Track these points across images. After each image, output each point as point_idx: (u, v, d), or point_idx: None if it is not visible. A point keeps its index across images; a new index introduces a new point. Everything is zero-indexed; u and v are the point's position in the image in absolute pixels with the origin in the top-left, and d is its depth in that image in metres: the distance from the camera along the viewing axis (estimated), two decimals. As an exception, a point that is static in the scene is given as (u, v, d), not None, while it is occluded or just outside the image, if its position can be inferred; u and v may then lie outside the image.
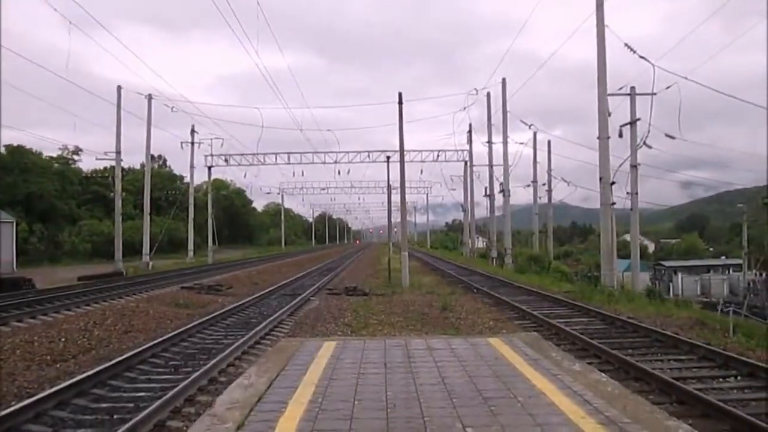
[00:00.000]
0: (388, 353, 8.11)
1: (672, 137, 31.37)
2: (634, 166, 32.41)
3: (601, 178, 23.78)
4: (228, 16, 61.15)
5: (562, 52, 60.53)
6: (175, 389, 7.94)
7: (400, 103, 26.58)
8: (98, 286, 24.35)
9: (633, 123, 32.06)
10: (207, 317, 15.28)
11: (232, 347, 10.99)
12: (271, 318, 15.00)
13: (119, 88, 40.95)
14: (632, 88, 32.88)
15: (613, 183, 24.14)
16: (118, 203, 41.27)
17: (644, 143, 29.25)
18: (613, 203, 24.33)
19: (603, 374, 6.83)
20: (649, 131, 25.38)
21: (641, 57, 24.24)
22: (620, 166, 27.87)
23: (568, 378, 6.46)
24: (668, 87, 26.96)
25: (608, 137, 24.14)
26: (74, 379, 8.45)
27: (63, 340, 12.13)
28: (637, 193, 33.01)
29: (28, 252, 54.75)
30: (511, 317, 15.75)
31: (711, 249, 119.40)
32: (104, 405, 7.76)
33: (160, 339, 12.01)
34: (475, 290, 22.94)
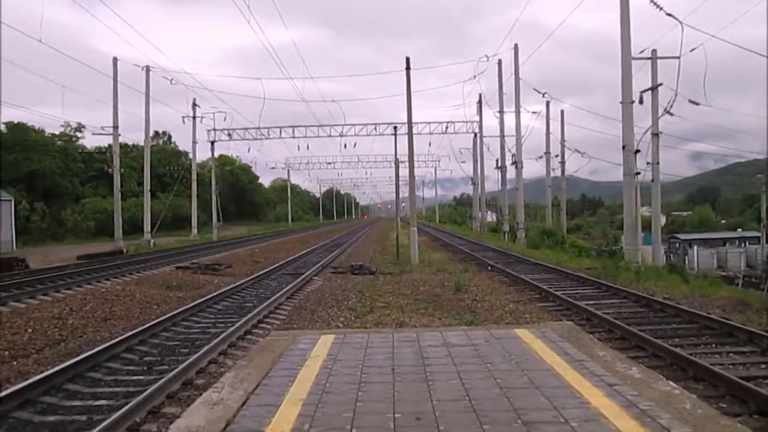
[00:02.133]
0: (396, 352, 6.67)
1: (696, 103, 29.71)
2: (655, 135, 30.74)
3: (624, 146, 22.08)
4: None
5: (570, 23, 58.21)
6: (140, 397, 6.54)
7: (408, 68, 24.92)
8: (93, 266, 23.04)
9: (654, 88, 30.27)
10: (198, 301, 13.89)
11: (218, 339, 9.58)
12: (268, 302, 13.59)
13: (115, 59, 39.41)
14: (654, 51, 31.03)
15: (637, 151, 22.46)
16: (117, 180, 39.96)
17: (667, 111, 27.39)
18: (638, 173, 22.69)
19: (672, 383, 5.35)
20: (675, 96, 23.54)
21: (668, 14, 22.37)
22: (645, 133, 26.23)
23: (630, 391, 4.98)
24: (692, 50, 25.15)
25: (632, 102, 22.42)
26: (22, 384, 7.06)
27: (30, 330, 10.77)
28: (658, 163, 31.38)
29: (30, 231, 53.79)
30: (533, 298, 14.26)
31: (723, 221, 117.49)
32: (50, 419, 6.36)
33: (140, 328, 10.63)
34: (489, 268, 21.46)
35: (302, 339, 7.53)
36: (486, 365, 5.97)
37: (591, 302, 13.06)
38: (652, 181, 30.97)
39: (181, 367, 7.85)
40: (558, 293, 14.21)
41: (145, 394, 6.64)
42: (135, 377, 7.98)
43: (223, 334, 9.93)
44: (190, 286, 17.76)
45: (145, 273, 20.98)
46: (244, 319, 11.32)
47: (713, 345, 9.13)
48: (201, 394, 5.89)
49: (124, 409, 6.13)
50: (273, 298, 14.15)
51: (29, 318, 11.63)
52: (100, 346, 9.21)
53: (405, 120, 26.28)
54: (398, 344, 7.08)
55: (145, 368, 8.47)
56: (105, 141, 55.39)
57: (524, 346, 6.77)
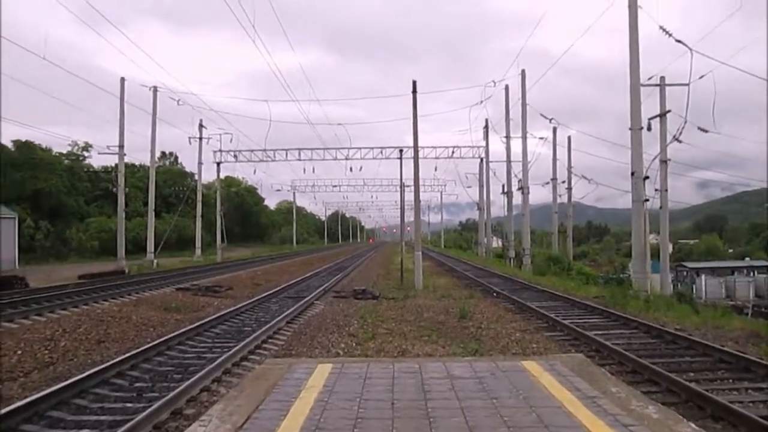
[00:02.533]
0: (396, 384, 6.29)
1: (705, 131, 29.36)
2: (664, 162, 30.45)
3: (633, 173, 21.75)
4: (239, 13, 59.39)
5: (574, 51, 58.53)
6: (124, 427, 6.17)
7: (414, 92, 24.74)
8: (93, 286, 22.72)
9: (663, 115, 30.07)
10: (196, 324, 13.54)
11: (213, 365, 9.22)
12: (268, 326, 13.23)
13: (122, 79, 39.48)
14: (662, 78, 30.89)
15: (646, 178, 22.11)
16: (121, 199, 39.82)
17: (676, 138, 27.05)
18: (647, 199, 22.32)
19: (693, 425, 4.96)
20: (685, 123, 23.22)
21: (677, 41, 22.24)
22: (653, 160, 25.91)
23: (649, 433, 4.61)
24: (701, 77, 24.95)
25: (641, 128, 22.12)
26: (3, 410, 6.70)
27: (19, 352, 10.42)
28: (667, 190, 31.04)
29: (34, 249, 53.65)
30: (539, 327, 13.84)
31: (731, 250, 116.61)
32: (28, 450, 6.01)
33: (133, 352, 10.28)
34: (494, 294, 21.04)
35: (298, 368, 7.17)
36: (492, 401, 5.59)
37: (600, 332, 12.65)
38: (660, 208, 30.61)
39: (171, 395, 7.49)
40: (565, 322, 13.80)
41: (130, 424, 6.28)
42: (123, 404, 7.61)
43: (218, 360, 9.57)
44: (189, 309, 17.39)
45: (145, 294, 20.64)
46: (241, 344, 10.96)
47: (730, 380, 8.70)
48: (189, 426, 5.53)
49: (106, 441, 5.78)
50: (272, 322, 13.78)
51: (20, 339, 11.28)
52: (90, 370, 8.86)
53: (411, 144, 26.10)
54: (399, 375, 6.71)
55: (135, 395, 8.10)
56: (112, 160, 55.57)
57: (532, 380, 6.39)
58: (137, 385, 8.63)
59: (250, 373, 7.57)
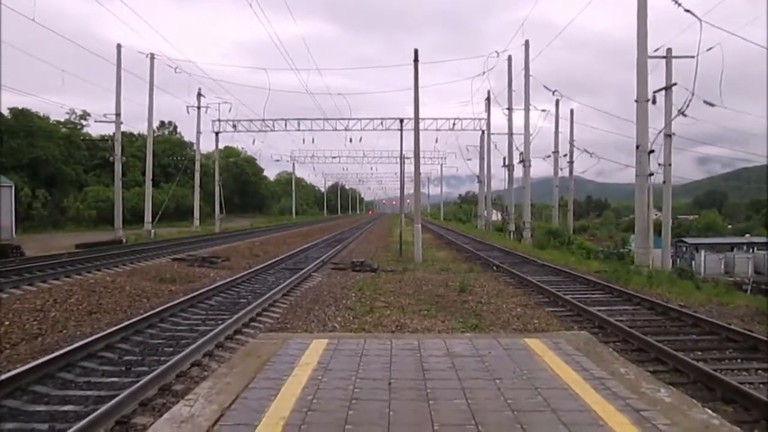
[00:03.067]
0: (394, 362, 6.00)
1: (711, 104, 28.81)
2: (668, 136, 29.95)
3: (638, 146, 21.35)
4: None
5: (579, 23, 57.48)
6: (109, 404, 5.90)
7: (416, 60, 24.18)
8: (89, 255, 22.47)
9: (668, 88, 29.50)
10: (190, 295, 13.26)
11: (206, 338, 8.94)
12: (263, 298, 12.96)
13: (119, 46, 38.75)
14: (669, 50, 30.28)
15: (651, 151, 21.69)
16: (118, 168, 39.30)
17: (682, 112, 26.51)
18: (651, 174, 21.94)
19: (708, 411, 4.67)
20: (692, 96, 22.68)
21: (687, 11, 21.61)
22: (659, 133, 25.46)
23: (662, 419, 4.31)
24: (709, 49, 24.38)
25: (647, 100, 21.65)
26: (-16, 385, 6.43)
27: (7, 323, 10.13)
28: (670, 165, 30.61)
29: (32, 218, 53.38)
30: (540, 302, 13.57)
31: (730, 226, 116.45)
32: (7, 426, 5.73)
33: (125, 323, 10.01)
34: (494, 268, 20.77)
35: (292, 343, 6.87)
36: (494, 381, 5.30)
37: (603, 308, 12.38)
38: (664, 182, 30.21)
39: (160, 369, 7.21)
40: (567, 297, 13.53)
41: (116, 400, 6.00)
42: (110, 379, 7.34)
43: (211, 333, 9.29)
44: (185, 279, 17.12)
45: (140, 264, 20.36)
46: (236, 317, 10.68)
47: (739, 360, 8.43)
48: (176, 403, 5.26)
49: (89, 418, 5.50)
50: (268, 294, 13.50)
51: (9, 309, 10.99)
52: (78, 342, 8.59)
53: (411, 115, 25.61)
54: (397, 352, 6.42)
55: (123, 369, 7.83)
56: (110, 129, 54.74)
57: (536, 359, 6.10)
58: (126, 358, 8.35)
59: (241, 348, 7.28)
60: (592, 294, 14.80)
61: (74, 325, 10.63)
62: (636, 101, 21.59)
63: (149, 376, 6.88)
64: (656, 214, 37.55)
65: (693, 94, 22.30)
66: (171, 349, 8.80)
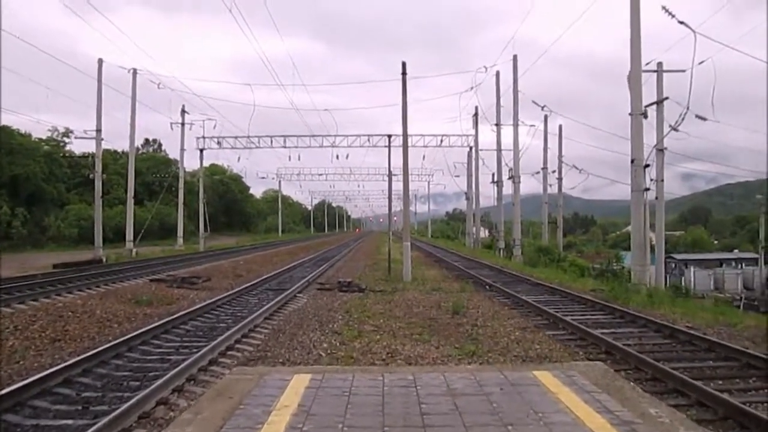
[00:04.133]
0: (387, 403, 5.18)
1: (703, 119, 28.36)
2: (660, 150, 29.42)
3: (633, 161, 20.72)
4: (230, 3, 57.65)
5: (563, 41, 57.58)
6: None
7: (404, 73, 23.56)
8: (63, 276, 21.43)
9: (660, 102, 29.07)
10: (166, 320, 12.37)
11: (177, 370, 8.05)
12: (244, 322, 12.07)
13: (100, 60, 37.84)
14: (659, 63, 29.93)
15: (647, 166, 21.09)
16: (98, 185, 38.25)
17: (674, 128, 25.96)
18: (647, 189, 21.31)
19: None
20: (687, 110, 22.14)
21: (680, 22, 21.18)
22: (654, 147, 24.96)
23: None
24: (701, 62, 24.01)
25: (642, 113, 21.08)
26: None
27: (-45, 355, 9.19)
28: (663, 180, 30.08)
29: (11, 236, 52.03)
30: (539, 324, 12.78)
31: (717, 242, 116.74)
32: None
33: (90, 353, 9.12)
34: (487, 287, 19.99)
35: (270, 380, 6.03)
36: (506, 428, 4.50)
37: (606, 331, 11.62)
38: (657, 198, 29.65)
39: (120, 409, 6.33)
40: (567, 319, 12.76)
41: (61, 452, 5.12)
42: (62, 421, 6.44)
43: (184, 364, 8.41)
44: (162, 302, 16.16)
45: (115, 285, 19.33)
46: (212, 344, 9.79)
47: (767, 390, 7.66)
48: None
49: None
50: (250, 318, 12.62)
51: (-38, 338, 10.05)
52: (34, 376, 7.68)
53: (399, 132, 24.94)
54: (390, 390, 5.60)
55: (80, 408, 6.93)
56: (93, 146, 53.81)
57: (550, 398, 5.30)
58: (86, 395, 7.44)
59: (211, 388, 6.40)
60: (593, 315, 14.05)
61: (33, 356, 9.68)
62: (630, 114, 20.99)
63: (106, 419, 5.99)
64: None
65: (688, 109, 21.80)
66: (137, 383, 7.91)
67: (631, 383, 6.20)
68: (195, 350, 9.72)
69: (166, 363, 9.06)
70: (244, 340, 10.88)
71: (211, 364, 9.00)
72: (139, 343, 10.33)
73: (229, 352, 9.86)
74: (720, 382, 7.96)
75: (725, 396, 6.89)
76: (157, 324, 11.79)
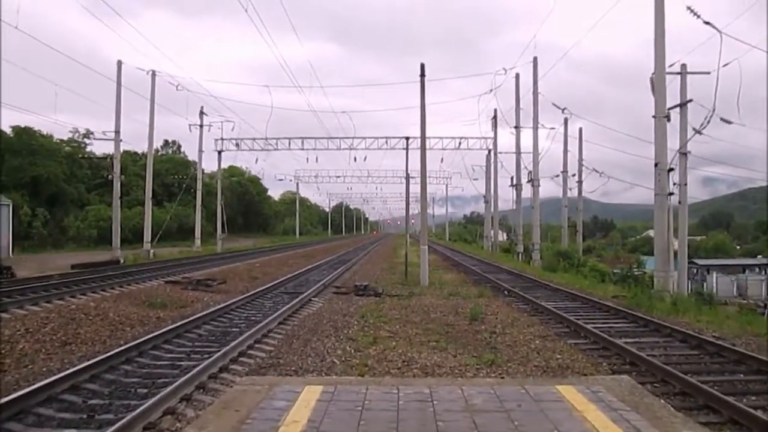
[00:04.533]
0: (402, 419, 4.89)
1: (728, 122, 27.74)
2: (683, 154, 28.84)
3: (656, 164, 20.27)
4: (244, 2, 57.86)
5: (582, 45, 56.90)
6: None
7: (422, 75, 23.28)
8: (79, 277, 21.40)
9: (683, 105, 28.53)
10: (179, 323, 12.19)
11: (186, 377, 7.82)
12: (257, 327, 11.85)
13: (119, 62, 38.07)
14: (683, 65, 29.34)
15: (671, 169, 20.60)
16: (117, 186, 38.45)
17: (698, 131, 25.35)
18: (671, 193, 20.83)
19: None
20: (713, 112, 21.58)
21: (706, 23, 20.68)
22: (678, 151, 24.44)
23: None
24: (726, 65, 23.50)
25: (666, 116, 20.62)
26: None
27: (-35, 358, 9.06)
28: (686, 184, 29.49)
29: (32, 237, 52.47)
30: (560, 333, 12.41)
31: (739, 247, 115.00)
32: None
33: (99, 357, 8.94)
34: (506, 293, 19.61)
35: (279, 391, 5.77)
36: (529, 451, 4.20)
37: (630, 340, 11.23)
38: (680, 203, 29.06)
39: (125, 419, 6.10)
40: (588, 327, 12.38)
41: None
42: (65, 431, 6.23)
43: (194, 371, 8.18)
44: (176, 304, 16.02)
45: (130, 287, 19.25)
46: (224, 350, 9.56)
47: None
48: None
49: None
50: (264, 322, 12.39)
51: (-28, 341, 9.92)
52: (41, 381, 7.51)
53: (417, 135, 24.66)
54: (405, 405, 5.31)
55: (85, 417, 6.72)
56: (113, 148, 54.09)
57: (576, 417, 4.98)
58: (92, 402, 7.23)
59: (218, 399, 6.16)
60: (615, 323, 13.63)
61: (43, 359, 9.52)
62: (654, 117, 20.56)
63: (110, 430, 5.77)
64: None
65: (714, 111, 21.23)
66: (145, 390, 7.69)
67: (662, 400, 5.84)
68: (206, 356, 9.51)
69: (176, 369, 8.85)
70: (256, 345, 10.64)
71: (222, 371, 8.76)
72: (150, 347, 10.13)
73: (241, 359, 9.62)
74: (753, 397, 7.56)
75: (759, 413, 6.51)
76: (169, 328, 11.60)
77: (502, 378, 8.03)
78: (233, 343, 10.16)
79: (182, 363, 9.26)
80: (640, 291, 19.05)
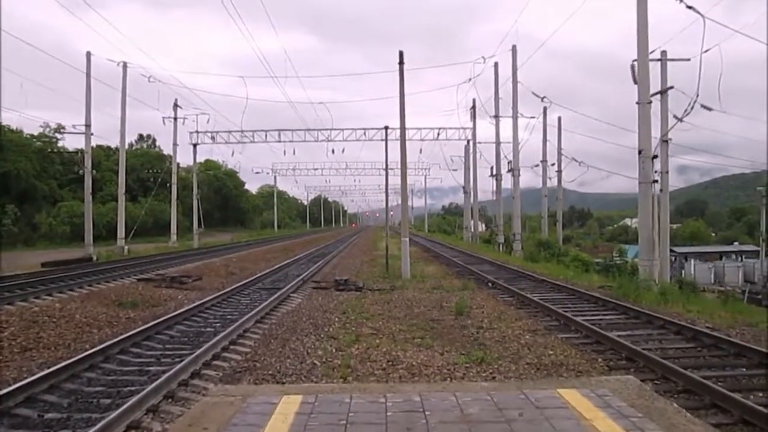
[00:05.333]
0: (391, 435, 4.36)
1: (709, 109, 27.55)
2: (665, 141, 28.62)
3: (640, 151, 19.90)
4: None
5: (558, 35, 56.72)
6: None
7: (401, 63, 22.68)
8: (47, 276, 20.55)
9: (664, 92, 28.34)
10: (149, 324, 11.53)
11: (154, 385, 7.19)
12: (233, 326, 11.22)
13: (89, 54, 36.87)
14: (663, 52, 29.10)
15: (655, 156, 20.28)
16: (88, 181, 37.32)
17: (678, 118, 25.05)
18: (655, 180, 20.52)
19: None
20: (697, 98, 21.21)
21: (689, 7, 20.31)
22: (661, 137, 24.17)
23: None
24: (706, 51, 23.30)
25: (649, 102, 20.26)
26: None
27: None
28: (668, 172, 29.31)
29: (1, 235, 51.05)
30: (550, 326, 11.94)
31: (714, 234, 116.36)
32: None
33: (61, 364, 8.26)
34: (490, 285, 19.17)
35: (254, 403, 5.20)
36: (539, 472, 3.68)
37: (622, 333, 10.80)
38: (661, 191, 28.85)
39: (83, 437, 5.48)
40: (578, 319, 11.94)
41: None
42: (15, 452, 5.60)
43: (163, 377, 7.56)
44: (148, 303, 15.31)
45: (100, 286, 18.44)
46: (197, 353, 8.94)
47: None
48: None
49: None
50: (239, 321, 11.76)
51: None
52: (-7, 394, 6.83)
53: (396, 126, 24.10)
54: (394, 416, 4.77)
55: (38, 435, 6.08)
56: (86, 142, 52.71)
57: (585, 425, 4.48)
58: (49, 416, 6.58)
59: (186, 414, 5.55)
60: (605, 315, 13.22)
61: (-1, 367, 8.82)
62: (637, 103, 20.18)
63: (64, 451, 5.15)
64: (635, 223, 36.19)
65: (697, 96, 20.89)
66: (108, 400, 7.05)
67: (674, 405, 5.36)
68: (178, 359, 8.89)
69: (143, 376, 8.21)
70: (231, 347, 10.01)
71: (194, 376, 8.13)
72: (117, 351, 9.47)
73: (215, 362, 8.99)
74: (760, 394, 7.14)
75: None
76: (139, 329, 10.93)
77: (496, 379, 7.52)
78: (207, 345, 9.53)
79: (151, 368, 8.61)
80: (626, 281, 18.71)
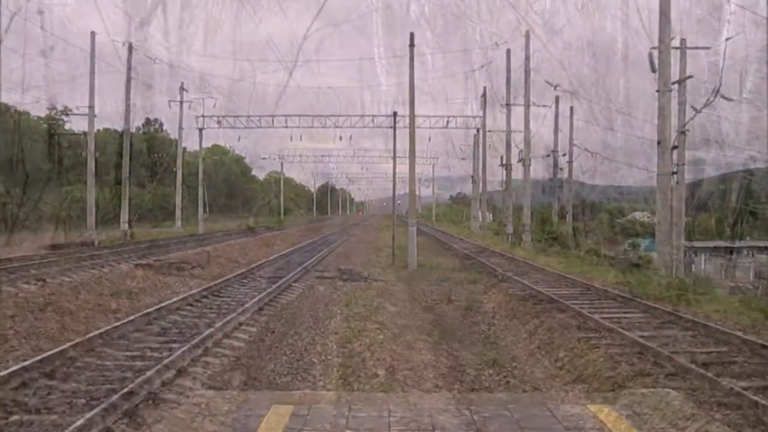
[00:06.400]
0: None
1: (729, 99, 26.60)
2: (683, 132, 27.69)
3: (659, 142, 19.05)
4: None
5: (571, 24, 55.72)
6: None
7: (412, 45, 21.89)
8: (43, 261, 19.92)
9: (682, 81, 27.33)
10: (141, 313, 10.88)
11: (133, 384, 6.51)
12: (228, 318, 10.56)
13: (93, 33, 36.11)
14: (683, 40, 28.07)
15: (674, 147, 19.44)
16: (91, 164, 36.96)
17: (696, 108, 24.17)
18: (674, 171, 19.69)
19: None
20: (720, 86, 20.32)
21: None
22: (684, 125, 23.28)
23: None
24: (728, 39, 22.48)
25: (670, 90, 19.39)
26: None
27: None
28: (684, 164, 28.37)
29: (5, 218, 50.68)
30: (566, 324, 11.15)
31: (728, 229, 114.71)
32: None
33: (31, 360, 7.57)
34: (500, 278, 18.42)
35: (239, 416, 4.49)
36: None
37: (646, 334, 10.03)
38: (677, 183, 27.96)
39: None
40: (596, 317, 11.18)
41: None
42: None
43: (145, 375, 6.87)
44: (144, 292, 14.66)
45: (94, 271, 17.79)
46: (186, 347, 8.26)
47: None
48: None
49: None
50: (235, 314, 11.08)
51: None
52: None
53: (404, 114, 23.35)
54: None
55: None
56: (98, 126, 52.19)
57: (627, 457, 3.73)
58: (11, 419, 5.89)
59: (163, 429, 4.84)
60: (625, 313, 12.43)
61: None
62: (657, 91, 19.30)
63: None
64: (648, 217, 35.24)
65: (721, 84, 20.00)
66: (83, 402, 6.35)
67: (728, 428, 4.62)
68: (166, 353, 8.21)
69: (125, 373, 7.51)
70: (225, 341, 9.34)
71: (180, 374, 7.45)
72: (99, 344, 8.79)
73: (205, 358, 8.31)
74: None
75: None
76: (128, 319, 10.27)
77: (512, 386, 6.81)
78: (197, 339, 8.87)
79: (136, 364, 7.92)
80: (644, 277, 17.89)
